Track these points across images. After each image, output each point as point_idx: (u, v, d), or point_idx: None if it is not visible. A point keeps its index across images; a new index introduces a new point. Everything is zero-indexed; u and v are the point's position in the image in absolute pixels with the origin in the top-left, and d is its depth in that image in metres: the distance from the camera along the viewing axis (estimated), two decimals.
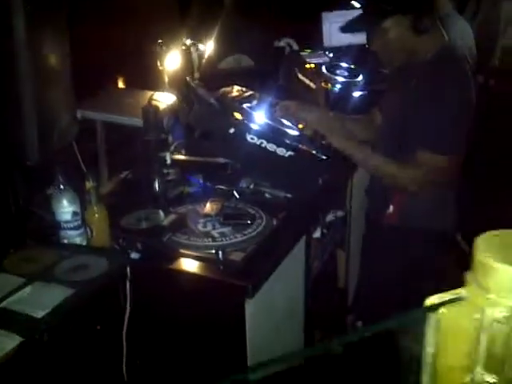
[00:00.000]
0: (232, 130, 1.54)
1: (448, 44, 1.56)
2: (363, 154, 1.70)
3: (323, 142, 1.65)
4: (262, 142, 1.55)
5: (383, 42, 1.58)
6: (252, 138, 1.56)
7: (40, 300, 1.20)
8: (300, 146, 1.60)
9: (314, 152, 1.59)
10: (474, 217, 2.74)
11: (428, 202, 1.69)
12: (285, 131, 1.65)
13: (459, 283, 0.56)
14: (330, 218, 2.00)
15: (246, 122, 1.57)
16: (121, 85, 2.41)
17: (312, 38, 2.70)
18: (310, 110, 1.81)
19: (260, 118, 1.64)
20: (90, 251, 1.42)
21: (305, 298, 1.78)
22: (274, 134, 1.60)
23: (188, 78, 1.70)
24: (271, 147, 1.55)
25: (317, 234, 1.90)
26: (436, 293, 0.57)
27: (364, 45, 2.37)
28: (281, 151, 1.56)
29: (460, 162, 1.60)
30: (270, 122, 1.64)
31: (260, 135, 1.56)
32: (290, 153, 1.56)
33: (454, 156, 1.56)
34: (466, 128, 1.58)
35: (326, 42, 2.73)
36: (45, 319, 1.15)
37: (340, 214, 2.08)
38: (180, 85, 1.68)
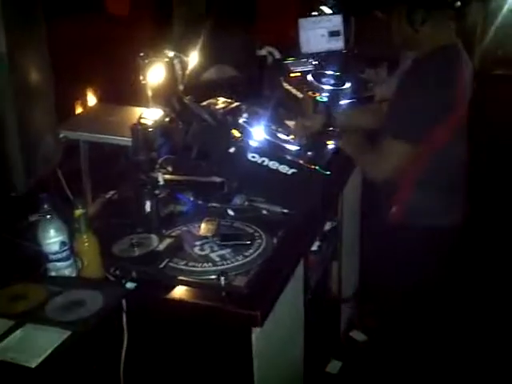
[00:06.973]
0: (232, 150, 1.46)
1: (445, 44, 1.58)
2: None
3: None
4: (263, 161, 1.48)
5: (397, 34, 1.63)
6: (253, 157, 1.49)
7: (33, 346, 1.08)
8: (301, 162, 1.55)
9: (316, 168, 1.53)
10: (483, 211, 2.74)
11: (431, 199, 1.69)
12: (284, 147, 1.59)
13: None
14: (326, 228, 1.95)
15: (245, 140, 1.50)
16: (102, 101, 2.30)
17: (293, 45, 2.65)
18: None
19: (258, 134, 1.57)
20: (81, 284, 1.31)
21: (305, 314, 1.72)
22: (274, 151, 1.53)
23: (181, 94, 1.61)
24: (273, 165, 1.49)
25: (314, 247, 1.85)
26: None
27: (342, 51, 2.36)
28: (283, 168, 1.50)
29: (425, 151, 1.59)
30: (269, 138, 1.57)
31: (261, 153, 1.49)
32: (293, 170, 1.50)
33: (414, 143, 1.56)
34: (434, 121, 1.56)
35: (304, 49, 2.69)
36: (39, 369, 1.04)
37: (333, 224, 2.05)
38: (169, 101, 1.59)
